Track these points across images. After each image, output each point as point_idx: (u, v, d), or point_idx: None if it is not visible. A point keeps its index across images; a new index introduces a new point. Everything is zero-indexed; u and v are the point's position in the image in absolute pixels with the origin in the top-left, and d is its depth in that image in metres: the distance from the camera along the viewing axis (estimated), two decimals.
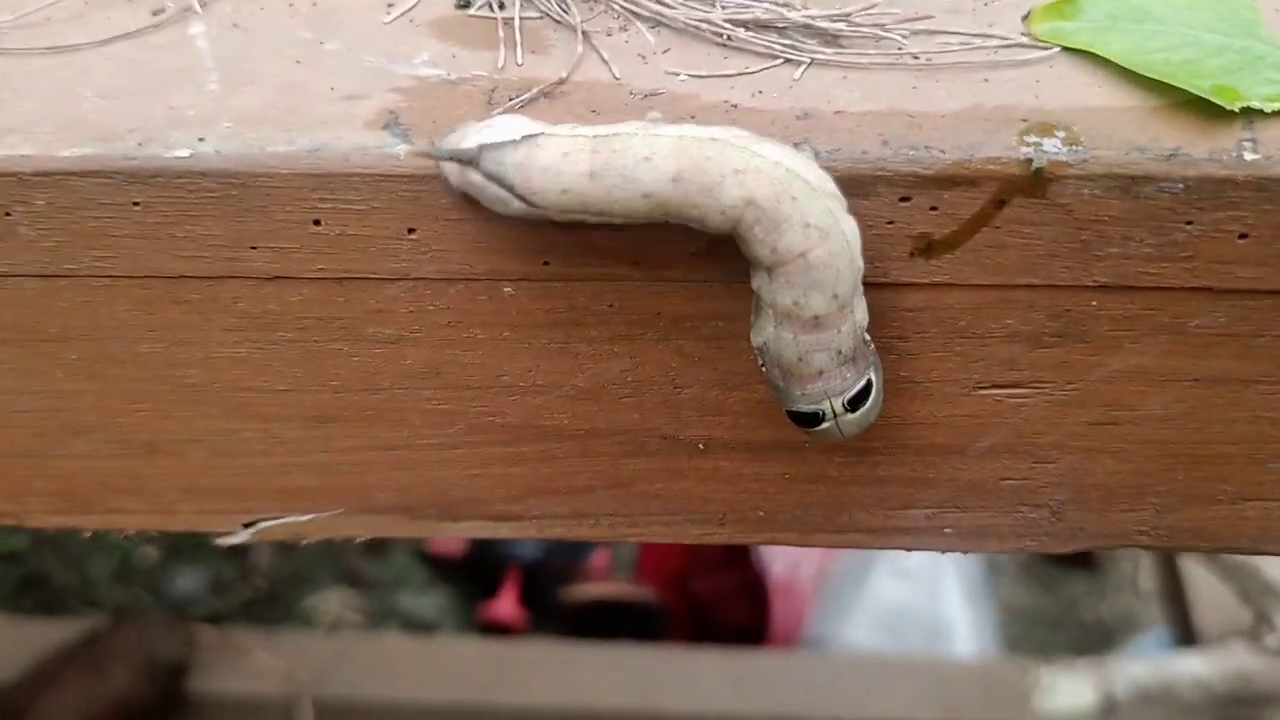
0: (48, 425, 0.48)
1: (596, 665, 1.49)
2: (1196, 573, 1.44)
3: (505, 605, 1.92)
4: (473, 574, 1.99)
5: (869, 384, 0.40)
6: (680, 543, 0.50)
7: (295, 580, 2.02)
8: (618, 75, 0.43)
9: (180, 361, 0.46)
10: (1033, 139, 0.39)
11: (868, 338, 0.41)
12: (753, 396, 0.45)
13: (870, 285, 0.41)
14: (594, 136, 0.37)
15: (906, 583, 1.84)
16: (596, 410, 0.46)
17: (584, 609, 1.87)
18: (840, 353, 0.39)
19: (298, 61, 0.44)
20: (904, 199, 0.39)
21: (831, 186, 0.38)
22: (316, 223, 0.41)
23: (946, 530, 0.49)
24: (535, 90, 0.42)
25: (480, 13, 0.46)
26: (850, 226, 0.38)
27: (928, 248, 0.40)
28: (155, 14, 0.47)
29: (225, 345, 0.45)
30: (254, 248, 0.42)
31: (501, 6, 0.46)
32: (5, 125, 0.42)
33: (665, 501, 0.49)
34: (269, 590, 2.00)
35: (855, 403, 0.40)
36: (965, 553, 0.49)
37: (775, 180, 0.37)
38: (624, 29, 0.45)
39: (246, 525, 0.51)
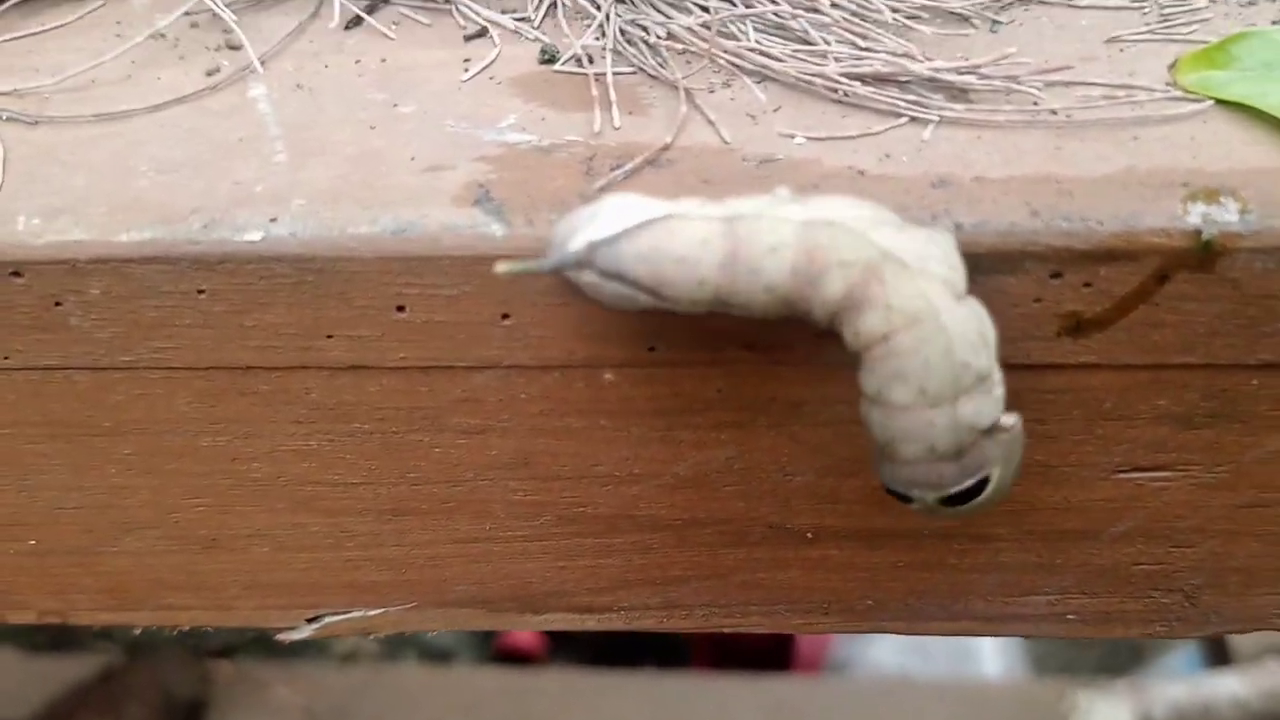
0: (98, 522, 0.44)
1: (618, 694, 1.47)
2: None
3: (524, 633, 1.89)
4: None
5: (979, 484, 0.35)
6: (780, 632, 0.46)
7: None
8: (727, 139, 0.39)
9: (244, 455, 0.42)
10: (1200, 207, 0.35)
11: (1001, 426, 0.36)
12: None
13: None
14: (724, 219, 0.33)
15: None
16: (698, 499, 0.42)
17: (604, 636, 1.85)
18: (934, 448, 0.35)
19: (371, 127, 0.40)
20: (1055, 275, 0.36)
21: (937, 268, 0.33)
22: (400, 309, 0.37)
23: (1070, 616, 0.45)
24: (640, 159, 0.38)
25: (567, 68, 0.42)
26: (955, 316, 0.33)
27: (1077, 326, 0.37)
28: (210, 74, 0.43)
29: (294, 438, 0.41)
30: (330, 336, 0.38)
31: (590, 61, 0.42)
32: (54, 205, 0.38)
33: (767, 591, 0.45)
34: None
35: (956, 500, 0.36)
36: (1089, 639, 0.46)
37: (867, 261, 0.33)
38: (727, 85, 0.41)
39: (310, 620, 0.47)
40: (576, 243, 0.33)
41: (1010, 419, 0.35)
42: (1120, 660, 1.94)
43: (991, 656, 1.76)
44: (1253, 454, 0.40)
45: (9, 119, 0.42)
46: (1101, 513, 0.42)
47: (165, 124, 0.41)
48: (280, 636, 0.48)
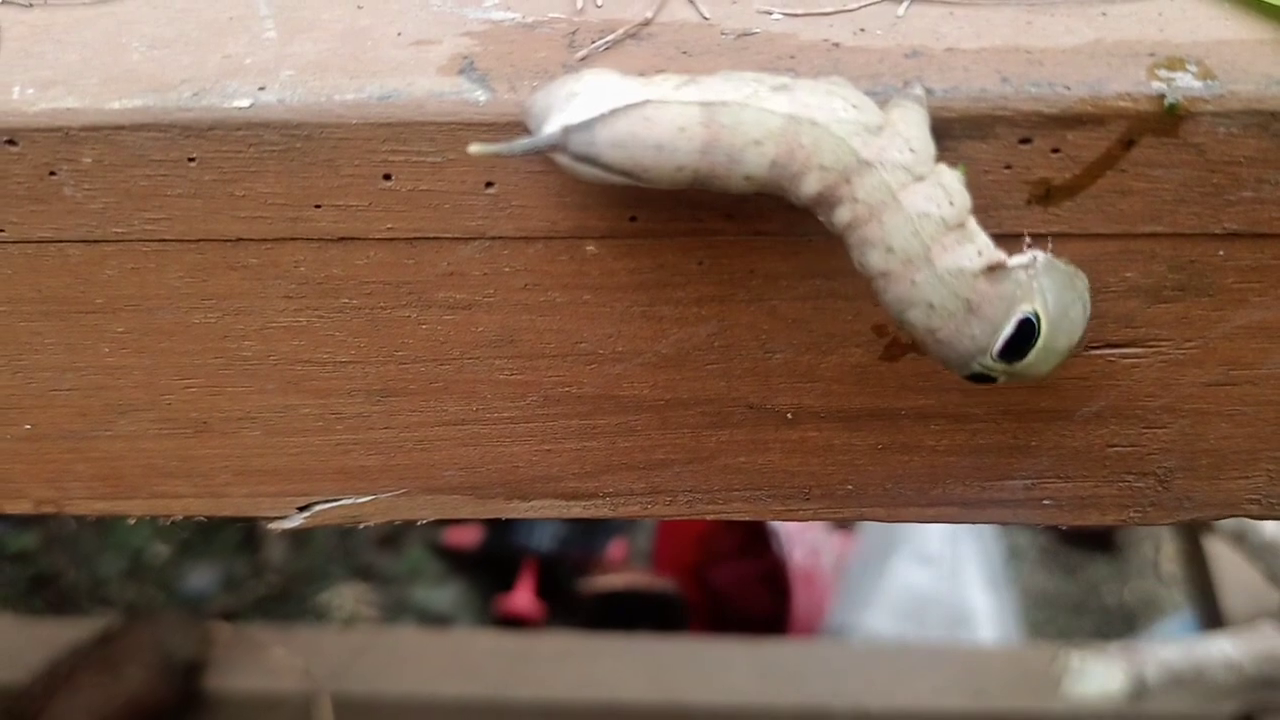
0: (91, 404, 0.45)
1: (616, 657, 1.47)
2: (1222, 554, 1.43)
3: (522, 598, 1.90)
4: (488, 566, 1.98)
5: (1024, 324, 0.35)
6: (762, 519, 0.47)
7: (308, 575, 2.01)
8: (707, 15, 0.40)
9: (235, 333, 0.43)
10: (1164, 73, 0.36)
11: (1019, 262, 0.36)
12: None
13: None
14: (702, 105, 0.34)
15: (928, 569, 1.83)
16: (679, 379, 0.43)
17: (602, 600, 1.86)
18: (933, 305, 0.35)
19: (359, 7, 0.41)
20: (1024, 140, 0.37)
21: (899, 155, 0.35)
22: (387, 177, 0.38)
23: (1045, 502, 0.46)
24: (620, 32, 0.39)
25: None
26: (912, 191, 0.35)
27: (1046, 194, 0.38)
28: None
29: (284, 314, 0.42)
30: (319, 206, 0.39)
31: None
32: (48, 77, 0.39)
33: (748, 476, 0.46)
34: (282, 586, 1.99)
35: (1014, 354, 0.36)
36: (1065, 525, 0.47)
37: (844, 168, 0.34)
38: None
39: (301, 509, 0.48)
40: (551, 126, 0.34)
41: (1019, 258, 0.36)
42: (1114, 627, 1.96)
43: (986, 622, 1.77)
44: (1220, 329, 0.41)
45: (4, 3, 0.42)
46: (1074, 391, 0.43)
47: (157, 6, 0.42)
48: (272, 526, 0.49)
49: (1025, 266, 0.36)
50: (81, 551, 1.94)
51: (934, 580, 1.81)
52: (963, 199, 0.35)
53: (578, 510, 0.48)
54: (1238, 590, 1.39)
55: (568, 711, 1.40)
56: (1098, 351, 0.42)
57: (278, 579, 1.99)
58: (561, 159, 0.34)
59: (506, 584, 1.92)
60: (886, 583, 1.81)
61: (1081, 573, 2.10)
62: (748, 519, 0.47)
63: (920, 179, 0.35)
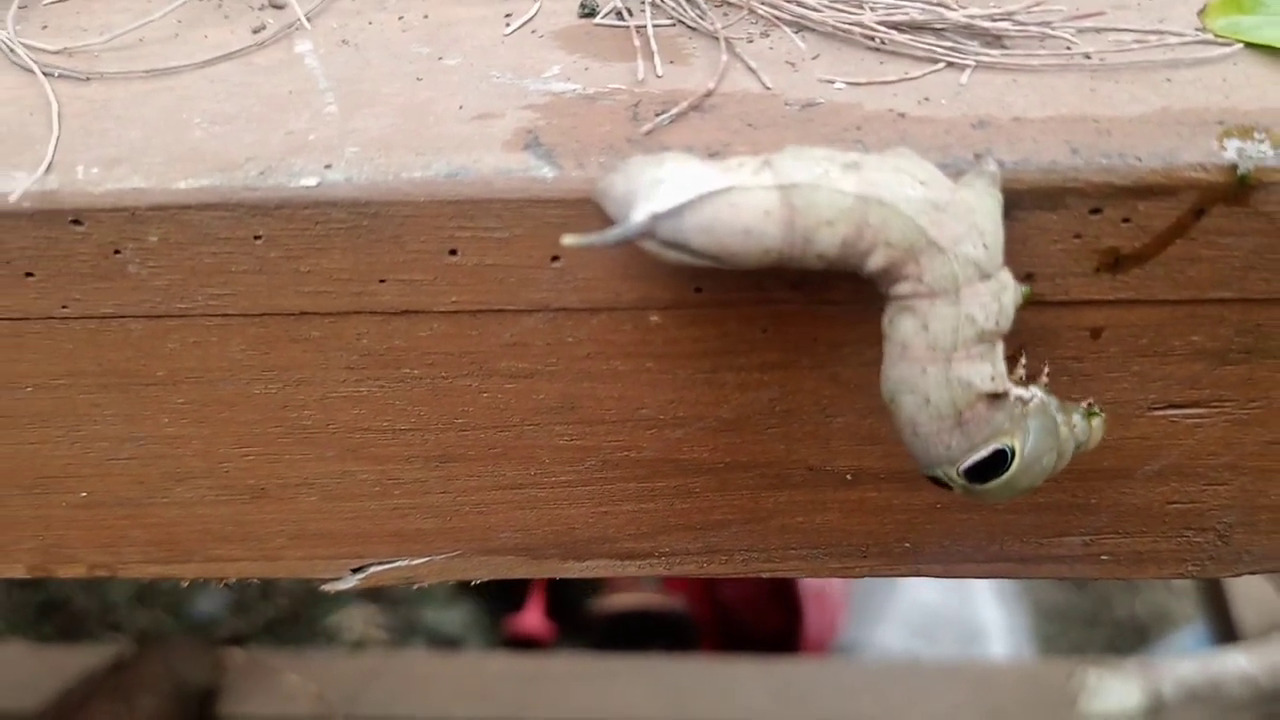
0: (149, 473, 0.45)
1: (627, 677, 1.46)
2: None
3: (532, 618, 1.90)
4: (498, 587, 1.97)
5: (998, 455, 0.36)
6: (818, 576, 0.47)
7: (318, 598, 2.00)
8: (769, 85, 0.40)
9: (295, 403, 0.43)
10: (1235, 143, 0.36)
11: (1019, 394, 0.37)
12: None
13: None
14: (780, 188, 0.34)
15: (939, 585, 1.82)
16: (739, 442, 0.43)
17: (612, 620, 1.85)
18: (929, 401, 0.36)
19: (418, 79, 0.41)
20: (1095, 210, 0.37)
21: (969, 250, 0.35)
22: (453, 252, 0.38)
23: (1104, 557, 0.46)
24: (684, 104, 0.39)
25: (607, 21, 0.43)
26: (974, 290, 0.35)
27: (1115, 262, 0.38)
28: (256, 31, 0.44)
29: (345, 384, 0.42)
30: (383, 281, 0.39)
31: (630, 14, 0.43)
32: (112, 156, 0.39)
33: (805, 535, 0.46)
34: (291, 609, 1.98)
35: (979, 476, 0.37)
36: (1123, 580, 0.46)
37: (911, 246, 0.35)
38: (765, 35, 0.42)
39: (355, 570, 0.48)
40: (639, 214, 0.34)
41: (1021, 391, 0.37)
42: (1126, 640, 1.95)
43: (998, 638, 1.77)
44: None
45: (61, 76, 0.42)
46: (1136, 450, 0.43)
47: (215, 80, 0.42)
48: (326, 587, 0.49)
49: (1023, 401, 0.37)
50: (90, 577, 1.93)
51: (945, 596, 1.81)
52: (1007, 322, 0.35)
53: (632, 570, 0.48)
54: (1250, 602, 1.39)
55: None
56: (1161, 412, 0.42)
57: (287, 602, 1.98)
58: (649, 245, 0.34)
59: (516, 604, 1.91)
60: (898, 599, 1.80)
61: (1093, 586, 2.10)
62: (804, 576, 0.47)
63: (986, 277, 0.35)
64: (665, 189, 0.34)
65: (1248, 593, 1.41)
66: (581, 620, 1.88)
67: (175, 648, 1.45)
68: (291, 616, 1.98)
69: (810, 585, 1.80)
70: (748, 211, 0.33)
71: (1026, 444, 0.37)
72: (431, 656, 1.81)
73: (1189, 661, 1.10)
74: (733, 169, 0.34)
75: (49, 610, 1.90)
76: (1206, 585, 1.53)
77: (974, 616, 1.80)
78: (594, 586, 1.91)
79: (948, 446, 0.36)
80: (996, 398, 0.36)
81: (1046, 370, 0.38)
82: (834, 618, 1.81)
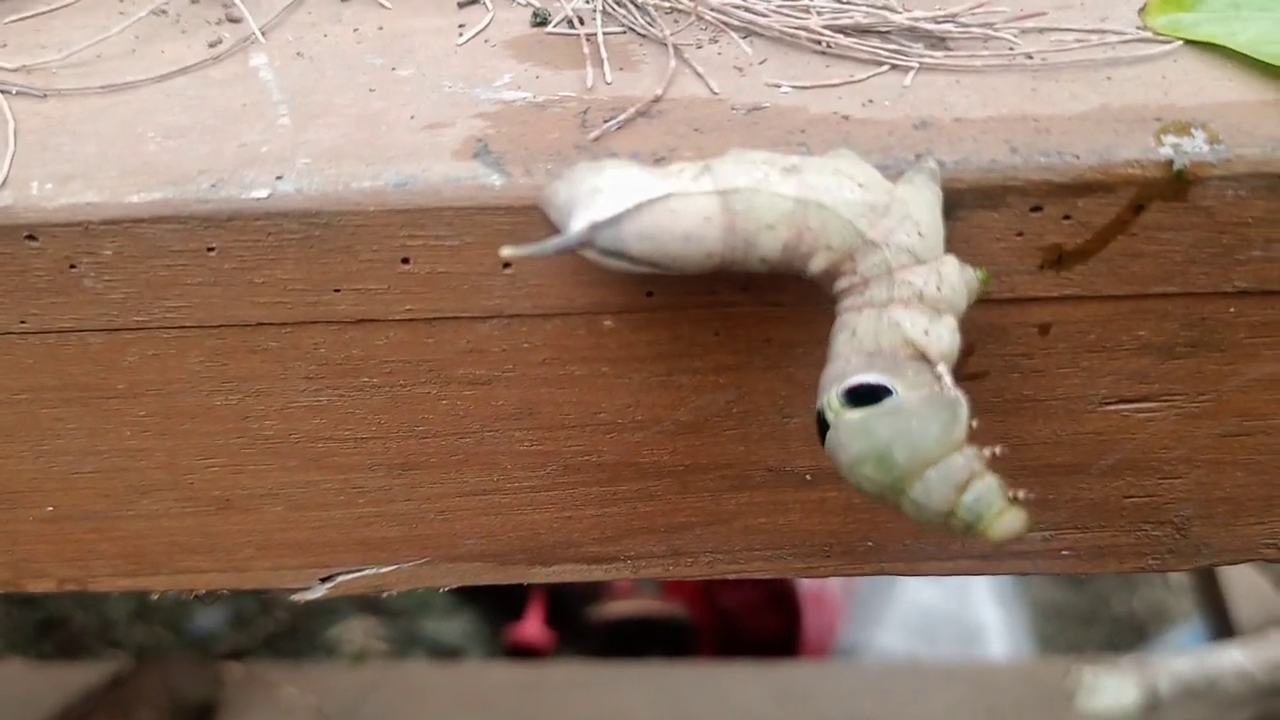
0: (114, 486, 0.45)
1: (628, 684, 1.46)
2: None
3: (531, 627, 1.89)
4: (497, 597, 1.97)
5: (883, 389, 0.35)
6: (783, 576, 0.47)
7: (317, 611, 2.00)
8: (716, 90, 0.40)
9: (256, 413, 0.43)
10: (1172, 139, 0.36)
11: (943, 372, 0.36)
12: None
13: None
14: (720, 194, 0.34)
15: (937, 586, 1.82)
16: (699, 444, 0.44)
17: (612, 627, 1.85)
18: (855, 332, 0.35)
19: (371, 90, 0.42)
20: (1035, 209, 0.37)
21: (904, 239, 0.35)
22: (405, 261, 0.39)
23: (1064, 552, 0.47)
24: (632, 110, 0.39)
25: (559, 30, 0.43)
26: (911, 273, 0.35)
27: (1059, 259, 0.38)
28: (212, 45, 0.45)
29: (305, 394, 0.42)
30: (338, 290, 0.39)
31: (581, 22, 0.43)
32: (67, 171, 0.39)
33: (769, 535, 0.46)
34: (291, 623, 1.98)
35: (855, 398, 0.35)
36: (1084, 575, 0.47)
37: (849, 248, 0.35)
38: (714, 40, 0.42)
39: (324, 580, 0.48)
40: (578, 223, 0.34)
41: (948, 376, 0.36)
42: (1124, 637, 1.95)
43: (997, 637, 1.77)
44: (1233, 382, 0.41)
45: (18, 93, 0.43)
46: (1090, 446, 0.43)
47: (171, 94, 0.42)
48: (295, 597, 0.49)
49: (941, 383, 0.35)
50: (89, 595, 1.93)
51: (944, 597, 1.81)
52: (952, 292, 0.35)
53: (598, 574, 0.48)
54: (1247, 598, 1.39)
55: None
56: (1113, 407, 0.42)
57: (286, 615, 1.98)
58: (589, 254, 0.34)
59: (516, 613, 1.91)
60: (896, 601, 1.80)
61: (1090, 584, 2.10)
62: (769, 577, 0.48)
63: (921, 263, 0.35)
64: (604, 198, 0.34)
65: (1244, 589, 1.41)
66: (581, 628, 1.88)
67: (173, 663, 1.44)
68: (290, 630, 1.97)
69: (809, 589, 1.80)
70: (687, 217, 0.34)
71: (913, 404, 0.35)
72: (432, 667, 1.81)
73: (1185, 658, 1.10)
74: (672, 175, 0.34)
75: (48, 628, 1.90)
76: (1203, 582, 1.53)
77: (972, 617, 1.80)
78: (593, 594, 1.92)
79: (846, 363, 0.36)
80: (918, 355, 0.35)
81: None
82: (833, 621, 1.81)
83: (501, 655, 1.91)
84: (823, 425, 0.36)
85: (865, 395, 0.35)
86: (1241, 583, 1.41)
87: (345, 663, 1.90)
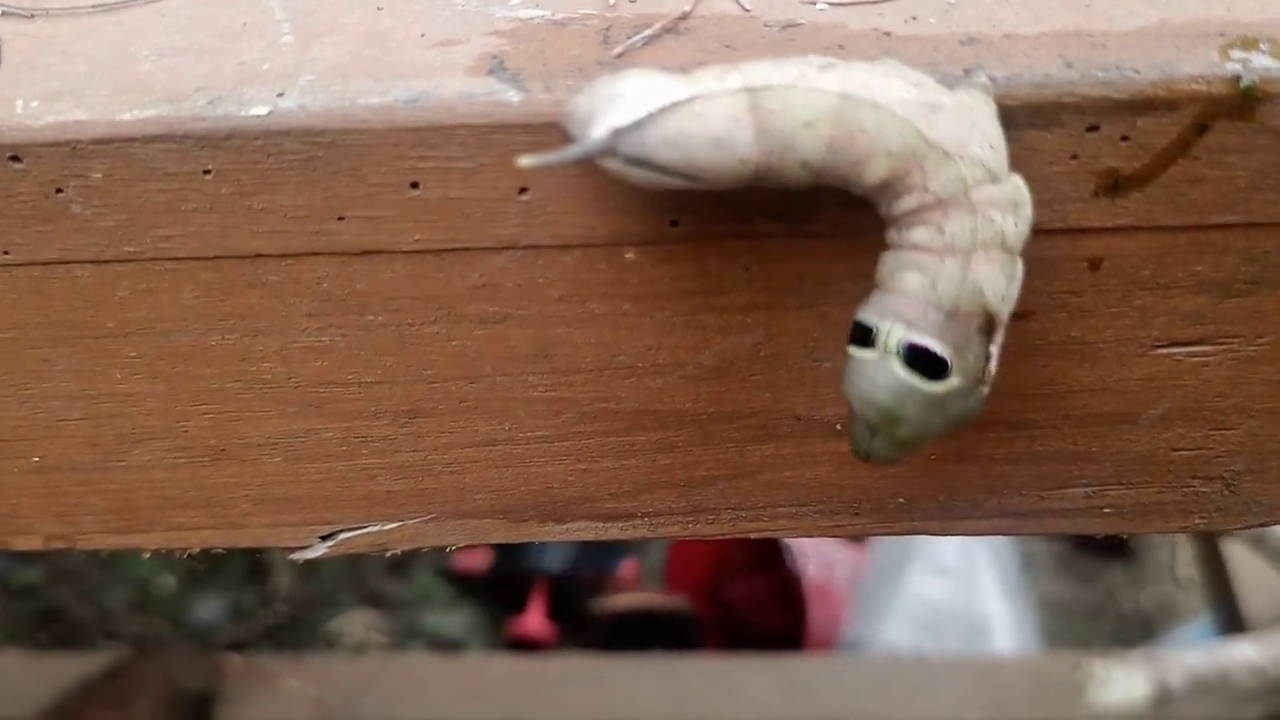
0: (103, 434, 0.43)
1: (630, 677, 1.46)
2: (1241, 558, 1.43)
3: (533, 620, 1.89)
4: (499, 589, 1.96)
5: (942, 360, 0.34)
6: (808, 535, 0.45)
7: (317, 603, 1.99)
8: (748, 7, 0.38)
9: (255, 354, 0.41)
10: (1238, 54, 0.34)
11: (991, 345, 0.35)
12: None
13: (1045, 233, 0.36)
14: (748, 90, 0.32)
15: (944, 580, 1.81)
16: (723, 391, 0.41)
17: (614, 620, 1.85)
18: (934, 285, 0.33)
19: (379, 9, 0.39)
20: (1092, 128, 0.35)
21: (976, 150, 0.33)
22: (415, 185, 0.36)
23: (1107, 510, 0.44)
24: (657, 27, 0.37)
25: None
26: (985, 193, 0.33)
27: (1114, 185, 0.36)
28: None
29: (306, 333, 0.40)
30: (342, 218, 0.37)
31: None
32: (54, 90, 0.37)
33: (794, 491, 0.44)
34: (290, 614, 1.97)
35: (913, 358, 0.34)
36: (1128, 534, 0.44)
37: (913, 152, 0.33)
38: None
39: (324, 537, 0.46)
40: (599, 130, 0.32)
41: (994, 367, 0.35)
42: (1132, 633, 1.94)
43: (1003, 632, 1.76)
44: None
45: (4, 14, 0.41)
46: (1139, 393, 0.41)
47: (166, 13, 0.40)
48: (294, 556, 0.47)
49: (988, 376, 0.35)
50: (88, 585, 1.93)
51: (950, 591, 1.80)
52: (1027, 226, 0.33)
53: (614, 532, 0.45)
54: (1257, 593, 1.38)
55: None
56: (1165, 350, 0.40)
57: (286, 607, 1.97)
58: (612, 164, 0.32)
59: (518, 606, 1.91)
60: (902, 595, 1.80)
61: (1098, 579, 2.09)
62: (793, 536, 0.45)
63: (996, 181, 0.33)
64: (625, 103, 0.32)
65: (1255, 584, 1.41)
66: (583, 621, 1.88)
67: (171, 653, 1.46)
68: (291, 622, 1.98)
69: (814, 582, 1.79)
70: (714, 120, 0.31)
71: (959, 393, 0.35)
72: (432, 659, 1.83)
73: (1196, 652, 1.10)
74: (698, 78, 0.32)
75: (46, 618, 1.90)
76: (1213, 578, 1.51)
77: (979, 611, 1.80)
78: (596, 587, 1.91)
79: (923, 311, 0.34)
80: (988, 332, 0.34)
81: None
82: (838, 614, 1.81)
83: (503, 648, 1.92)
84: (861, 336, 0.35)
85: (922, 354, 0.34)
86: (1251, 577, 1.41)
87: (345, 655, 1.90)
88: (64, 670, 1.38)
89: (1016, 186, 0.33)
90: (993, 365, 0.35)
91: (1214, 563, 1.49)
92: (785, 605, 1.80)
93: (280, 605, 1.96)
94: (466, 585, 1.99)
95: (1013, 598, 1.82)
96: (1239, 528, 0.44)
